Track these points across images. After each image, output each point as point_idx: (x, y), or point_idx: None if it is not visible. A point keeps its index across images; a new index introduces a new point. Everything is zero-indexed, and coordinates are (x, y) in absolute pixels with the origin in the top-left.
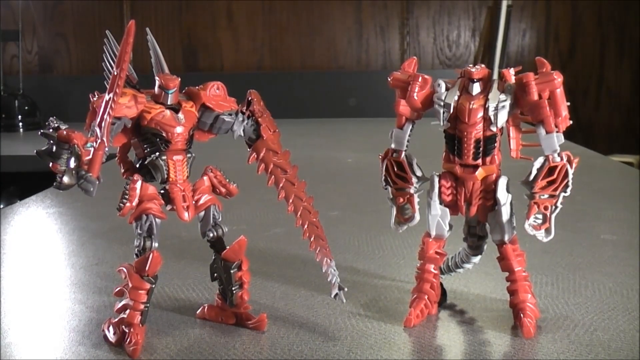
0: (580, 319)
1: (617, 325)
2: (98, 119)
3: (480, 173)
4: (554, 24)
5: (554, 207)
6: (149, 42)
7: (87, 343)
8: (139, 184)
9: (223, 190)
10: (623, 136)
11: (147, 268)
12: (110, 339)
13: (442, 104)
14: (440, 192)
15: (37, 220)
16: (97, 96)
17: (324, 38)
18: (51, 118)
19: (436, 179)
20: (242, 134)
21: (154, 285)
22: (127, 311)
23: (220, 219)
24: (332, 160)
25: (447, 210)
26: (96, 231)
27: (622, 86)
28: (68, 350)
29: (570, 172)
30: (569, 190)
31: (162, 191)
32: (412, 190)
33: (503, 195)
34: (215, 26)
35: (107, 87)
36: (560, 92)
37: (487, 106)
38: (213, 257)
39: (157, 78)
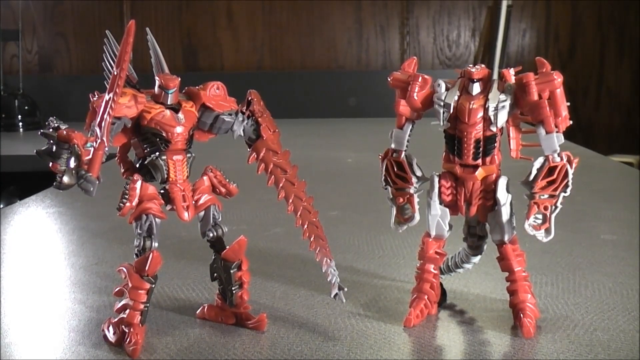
0: (580, 319)
1: (617, 325)
2: (98, 119)
3: (480, 173)
4: (554, 24)
5: (553, 207)
6: (149, 42)
7: (87, 343)
8: (138, 184)
9: (223, 190)
10: (623, 136)
11: (147, 268)
12: (110, 339)
13: (442, 104)
14: (440, 192)
15: (37, 220)
16: (97, 96)
17: (324, 38)
18: (51, 118)
19: (436, 179)
20: (242, 134)
21: (153, 285)
22: (127, 311)
23: (220, 219)
24: (332, 160)
25: (447, 210)
26: (96, 231)
27: (622, 86)
28: (68, 350)
29: (570, 172)
30: (568, 190)
31: (162, 191)
32: (412, 190)
33: (503, 196)
34: (215, 26)
35: (107, 87)
36: (560, 92)
37: (487, 106)
38: (213, 257)
39: (157, 78)
